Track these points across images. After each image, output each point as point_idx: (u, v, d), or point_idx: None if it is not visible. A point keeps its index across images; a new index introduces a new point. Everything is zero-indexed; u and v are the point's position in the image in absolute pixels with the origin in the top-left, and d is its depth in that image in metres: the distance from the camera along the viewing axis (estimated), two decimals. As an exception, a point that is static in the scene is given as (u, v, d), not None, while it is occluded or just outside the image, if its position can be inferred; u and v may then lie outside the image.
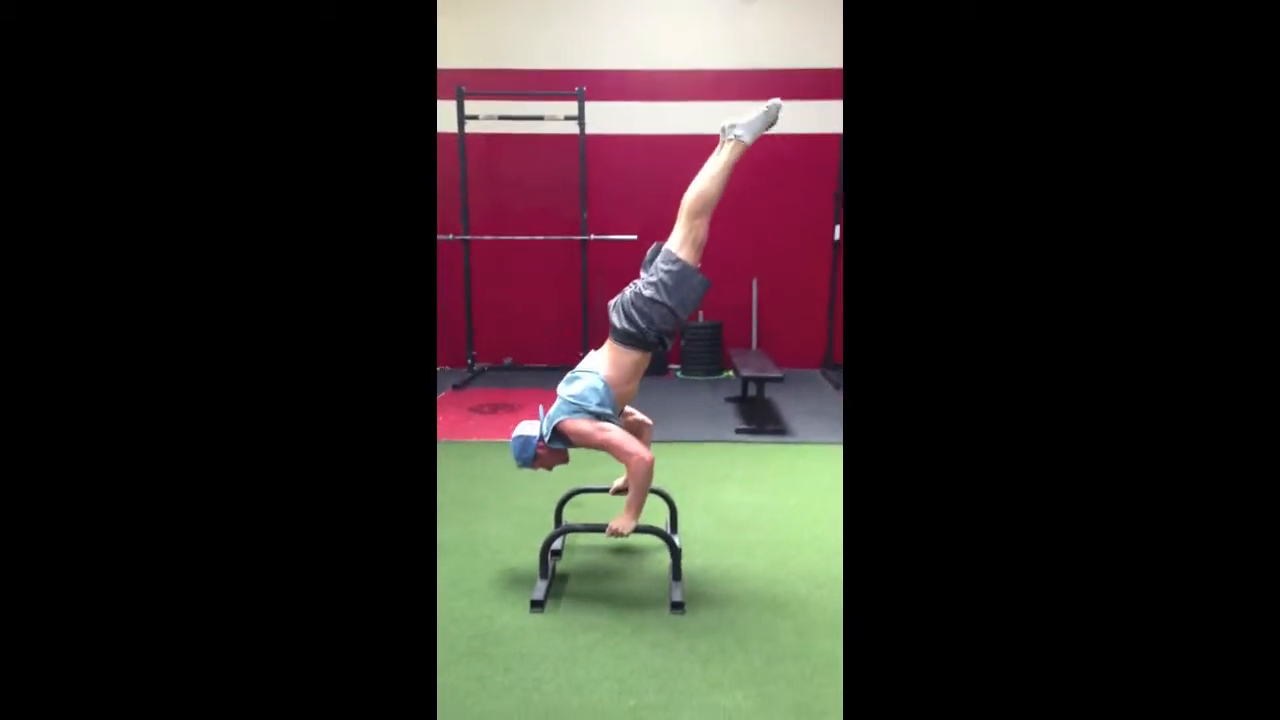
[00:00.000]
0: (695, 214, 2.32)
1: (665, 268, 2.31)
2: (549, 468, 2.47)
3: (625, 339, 2.34)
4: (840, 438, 4.09)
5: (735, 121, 2.34)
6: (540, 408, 2.49)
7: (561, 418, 2.35)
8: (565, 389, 2.40)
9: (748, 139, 2.33)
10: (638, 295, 2.33)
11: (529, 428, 2.42)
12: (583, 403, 2.33)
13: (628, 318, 2.33)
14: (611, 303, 2.42)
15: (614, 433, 2.30)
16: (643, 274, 2.39)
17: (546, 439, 2.38)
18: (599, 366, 2.39)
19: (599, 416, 2.34)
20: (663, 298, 2.29)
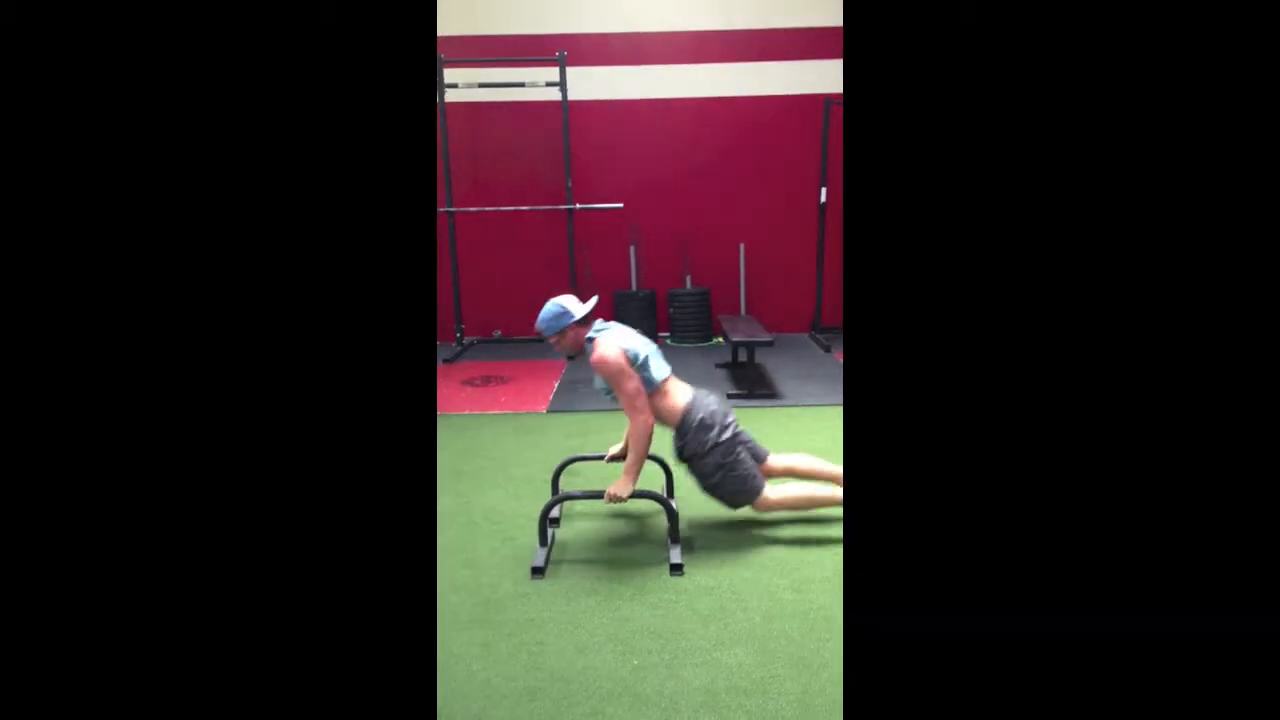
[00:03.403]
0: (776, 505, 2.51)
1: (742, 475, 2.41)
2: (560, 350, 2.45)
3: (681, 434, 2.42)
4: (830, 400, 4.13)
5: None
6: (596, 298, 2.53)
7: (610, 338, 2.35)
8: (631, 331, 2.42)
9: None
10: (724, 448, 2.38)
11: (571, 301, 2.40)
12: (633, 351, 2.34)
13: (703, 427, 2.38)
14: (713, 408, 2.42)
15: (642, 392, 2.33)
16: (737, 433, 2.45)
17: (588, 335, 2.38)
18: (663, 374, 2.41)
19: (643, 361, 2.37)
20: (718, 478, 2.40)
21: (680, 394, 2.43)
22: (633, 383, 2.31)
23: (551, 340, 2.42)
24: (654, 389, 2.38)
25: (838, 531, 2.57)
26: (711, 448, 2.37)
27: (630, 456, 2.35)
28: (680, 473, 2.99)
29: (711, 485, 2.42)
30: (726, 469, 2.38)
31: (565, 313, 2.36)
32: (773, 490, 2.48)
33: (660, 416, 2.41)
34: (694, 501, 2.84)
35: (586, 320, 2.40)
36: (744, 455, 2.43)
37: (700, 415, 2.38)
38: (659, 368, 2.41)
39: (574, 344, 2.41)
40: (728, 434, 2.39)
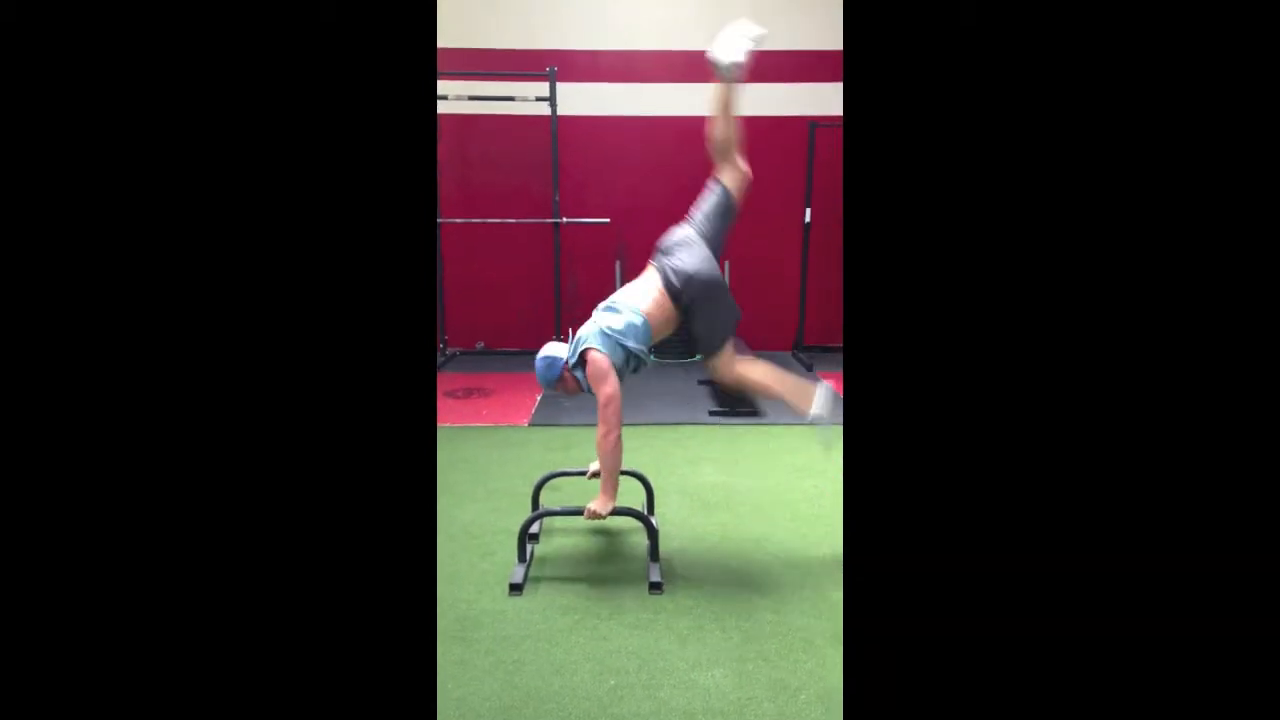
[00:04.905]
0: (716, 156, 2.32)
1: (719, 311, 2.31)
2: (570, 393, 2.42)
3: (674, 295, 2.30)
4: (812, 419, 4.15)
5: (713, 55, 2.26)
6: (570, 329, 2.47)
7: (592, 345, 2.30)
8: (604, 317, 2.34)
9: (726, 74, 2.26)
10: (705, 280, 2.27)
11: (556, 349, 2.39)
12: (622, 338, 2.29)
13: (683, 279, 2.28)
14: (672, 263, 2.31)
15: (617, 401, 2.27)
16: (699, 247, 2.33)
17: (571, 364, 2.35)
18: (640, 303, 2.33)
19: (635, 355, 2.32)
20: (707, 311, 2.31)
21: (660, 305, 2.33)
22: (608, 388, 2.26)
23: (557, 390, 2.42)
24: (650, 333, 2.32)
25: (820, 551, 2.57)
26: (699, 283, 2.28)
27: (602, 473, 2.35)
28: (660, 491, 2.99)
29: (701, 320, 2.32)
30: (716, 307, 2.30)
31: (554, 359, 2.36)
32: (748, 363, 2.37)
33: (668, 313, 2.34)
34: (674, 519, 2.84)
35: (569, 359, 2.37)
36: (713, 302, 2.32)
37: (681, 304, 2.32)
38: (643, 329, 2.32)
39: (573, 385, 2.40)
40: (695, 281, 2.29)
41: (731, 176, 2.37)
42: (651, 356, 2.41)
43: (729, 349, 2.37)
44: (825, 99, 5.60)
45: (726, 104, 2.32)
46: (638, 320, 2.31)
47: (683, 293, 2.29)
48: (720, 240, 2.39)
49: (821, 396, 2.39)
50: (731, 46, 2.27)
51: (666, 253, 2.36)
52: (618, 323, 2.31)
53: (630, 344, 2.30)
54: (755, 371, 2.40)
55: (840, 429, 2.31)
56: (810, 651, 1.98)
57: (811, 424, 2.40)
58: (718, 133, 2.35)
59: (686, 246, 2.34)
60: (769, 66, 5.76)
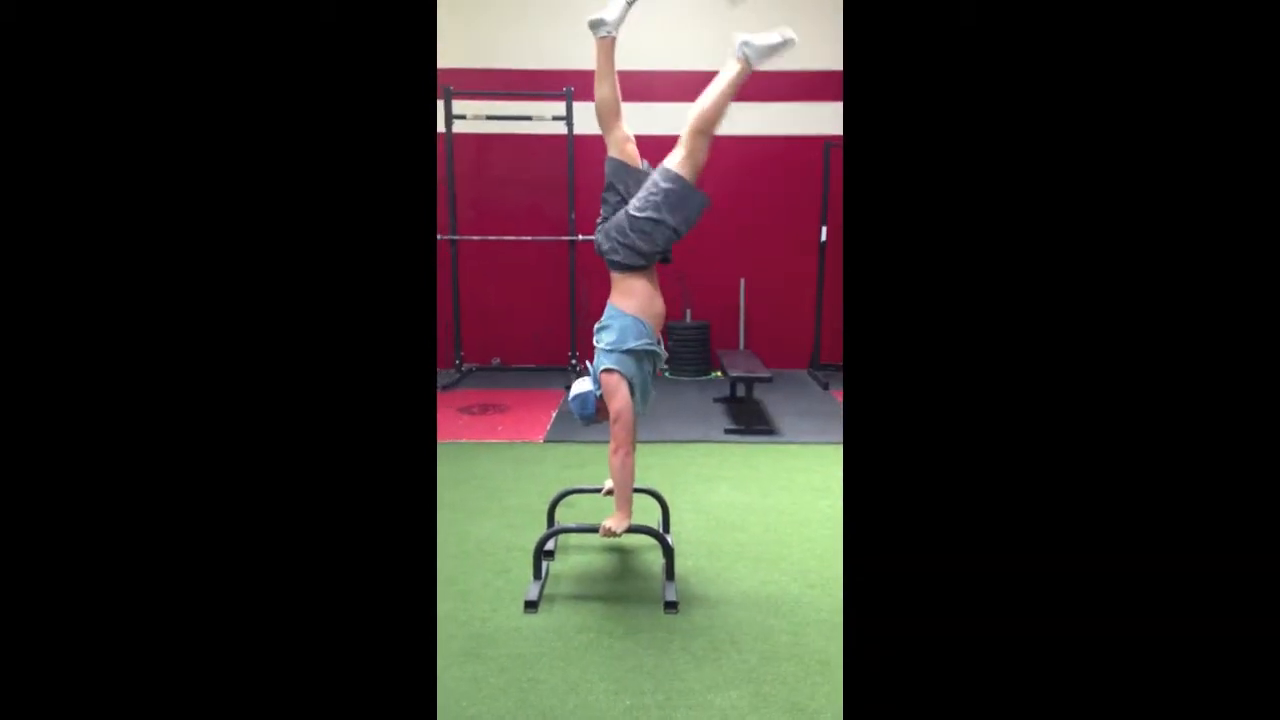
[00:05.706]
0: (696, 132, 2.31)
1: (665, 186, 2.27)
2: (605, 418, 2.43)
3: (629, 266, 2.32)
4: (829, 438, 4.12)
5: (749, 40, 2.27)
6: (587, 363, 2.49)
7: (604, 367, 2.33)
8: (601, 338, 2.38)
9: (754, 62, 2.27)
10: (633, 219, 2.28)
11: (584, 384, 2.41)
12: (622, 345, 2.31)
13: (627, 246, 2.29)
14: (598, 241, 2.38)
15: (626, 416, 2.30)
16: (628, 199, 2.35)
17: (599, 394, 2.38)
18: (616, 304, 2.37)
19: (645, 352, 2.33)
20: (664, 217, 2.26)
21: (634, 292, 2.35)
22: (617, 403, 2.29)
23: (599, 421, 2.44)
24: (643, 324, 2.33)
25: (837, 571, 2.54)
26: (661, 241, 2.29)
27: (616, 490, 2.35)
28: (675, 509, 2.97)
29: (686, 228, 2.31)
30: (672, 220, 2.26)
31: (585, 395, 2.39)
32: (686, 152, 2.33)
33: (647, 291, 2.36)
34: (690, 538, 2.82)
35: (596, 389, 2.40)
36: (658, 201, 2.28)
37: (648, 260, 2.33)
38: (634, 323, 2.34)
39: (606, 412, 2.41)
40: (635, 226, 2.28)
41: (616, 142, 2.41)
42: (662, 348, 2.42)
43: (691, 166, 2.31)
44: (841, 118, 5.61)
45: (610, 64, 2.38)
46: (624, 320, 2.34)
47: (625, 258, 2.31)
48: (629, 198, 2.38)
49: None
50: (766, 55, 2.29)
51: (599, 253, 2.41)
52: (611, 335, 2.34)
53: (632, 344, 2.32)
54: (700, 107, 2.36)
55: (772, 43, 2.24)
56: (827, 674, 1.95)
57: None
58: (605, 93, 2.38)
59: (603, 234, 2.37)
60: (784, 86, 5.80)
